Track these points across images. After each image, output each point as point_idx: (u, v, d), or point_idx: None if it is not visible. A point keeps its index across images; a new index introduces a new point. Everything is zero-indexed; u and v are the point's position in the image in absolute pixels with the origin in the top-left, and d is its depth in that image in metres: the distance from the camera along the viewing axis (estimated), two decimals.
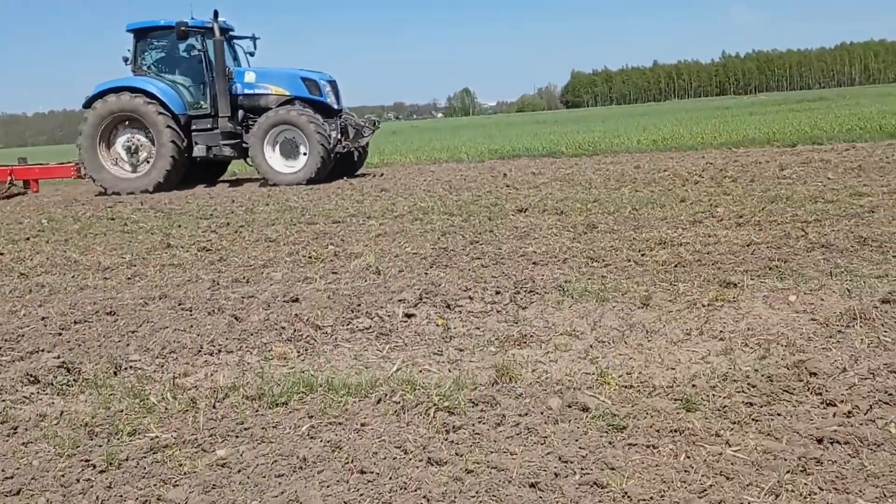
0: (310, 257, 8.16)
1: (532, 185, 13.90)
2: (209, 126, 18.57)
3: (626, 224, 8.98)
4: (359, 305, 5.97)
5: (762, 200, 9.99)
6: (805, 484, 2.92)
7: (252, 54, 19.67)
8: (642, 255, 7.26)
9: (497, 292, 6.16)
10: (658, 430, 3.47)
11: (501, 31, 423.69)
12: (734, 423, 3.52)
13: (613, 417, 3.63)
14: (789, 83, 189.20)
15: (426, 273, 7.09)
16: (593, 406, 3.78)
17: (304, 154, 17.88)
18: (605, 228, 8.78)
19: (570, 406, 3.81)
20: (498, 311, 5.71)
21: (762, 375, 4.05)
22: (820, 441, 3.27)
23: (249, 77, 18.71)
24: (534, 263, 7.23)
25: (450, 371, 4.53)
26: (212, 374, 4.68)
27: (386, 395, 4.08)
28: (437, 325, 5.36)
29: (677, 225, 8.69)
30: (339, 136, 18.38)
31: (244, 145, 18.45)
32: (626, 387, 4.04)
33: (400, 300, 6.01)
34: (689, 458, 3.20)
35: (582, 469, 3.15)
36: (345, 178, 18.78)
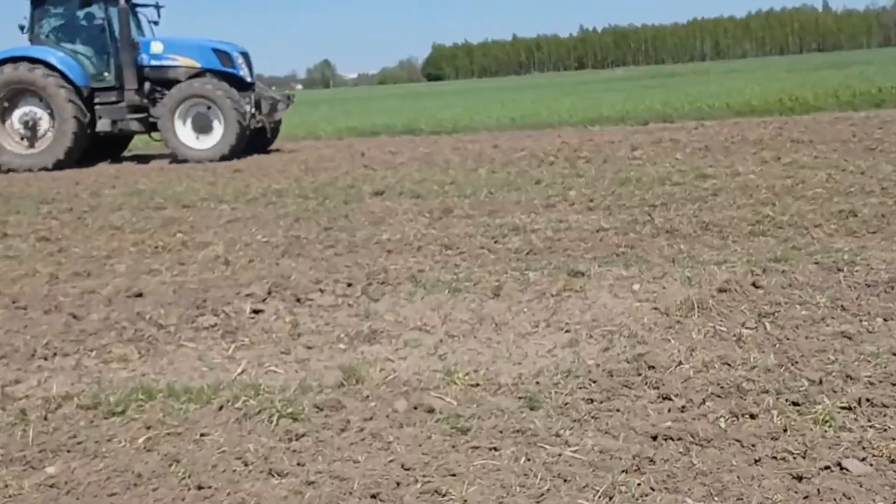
0: (156, 247, 7.89)
1: (390, 166, 13.86)
2: (114, 99, 17.50)
3: (482, 208, 9.04)
4: (205, 301, 5.80)
5: (613, 182, 10.24)
6: (638, 484, 2.99)
7: (156, 23, 18.61)
8: (495, 242, 7.33)
9: (349, 284, 6.09)
10: (501, 432, 3.49)
11: (362, 1, 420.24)
12: (574, 421, 3.58)
13: (458, 419, 3.64)
14: (645, 58, 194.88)
15: (277, 263, 6.96)
16: (439, 407, 3.78)
17: (218, 129, 17.07)
18: (461, 213, 8.83)
19: (415, 408, 3.80)
20: (349, 305, 5.65)
21: (603, 370, 4.14)
22: (654, 438, 3.36)
23: (156, 47, 17.69)
24: (388, 252, 7.20)
25: (297, 372, 4.46)
26: (45, 382, 4.46)
27: (228, 401, 3.97)
28: (286, 323, 5.26)
29: (531, 209, 8.81)
30: (253, 111, 17.56)
31: (151, 119, 17.50)
32: (472, 385, 4.06)
33: (248, 294, 5.87)
34: (529, 460, 3.23)
35: (424, 477, 3.14)
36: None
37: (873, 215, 7.22)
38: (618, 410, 3.68)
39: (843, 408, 3.52)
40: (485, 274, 6.21)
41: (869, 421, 3.41)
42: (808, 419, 3.44)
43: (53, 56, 17.02)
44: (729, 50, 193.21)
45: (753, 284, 5.39)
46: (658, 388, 3.88)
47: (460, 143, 17.82)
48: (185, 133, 17.24)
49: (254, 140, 18.18)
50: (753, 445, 3.24)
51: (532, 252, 6.86)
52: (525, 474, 3.12)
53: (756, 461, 3.13)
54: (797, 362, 4.08)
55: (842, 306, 4.90)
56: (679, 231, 7.20)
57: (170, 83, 17.43)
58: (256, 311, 5.53)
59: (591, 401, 3.78)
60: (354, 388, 4.08)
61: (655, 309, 5.14)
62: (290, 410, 3.78)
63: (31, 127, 17.18)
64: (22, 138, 17.24)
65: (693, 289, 5.45)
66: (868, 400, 3.55)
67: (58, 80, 16.77)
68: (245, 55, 18.37)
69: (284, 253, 7.34)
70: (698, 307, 5.01)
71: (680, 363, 4.16)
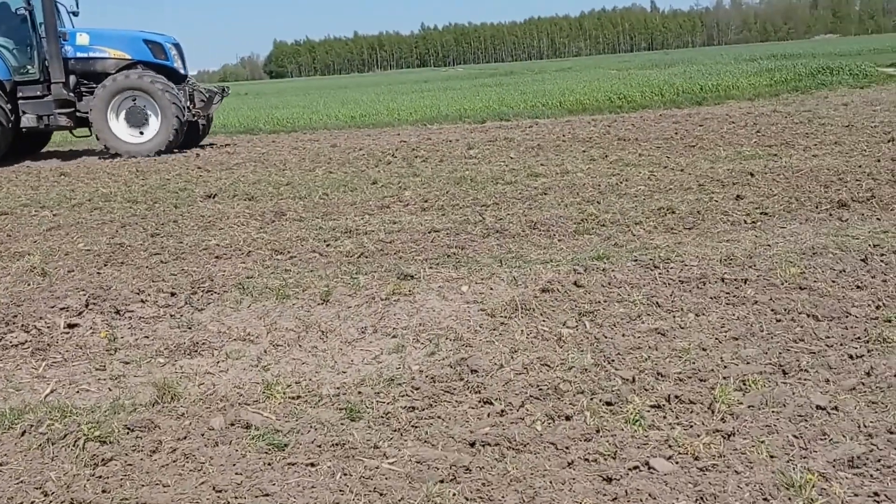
0: None
1: (225, 167, 13.52)
2: (39, 93, 16.44)
3: (316, 210, 8.93)
4: (15, 316, 5.47)
5: (448, 182, 10.31)
6: (453, 494, 3.00)
7: (76, 13, 17.41)
8: (328, 245, 7.24)
9: (172, 293, 5.88)
10: (320, 446, 3.43)
11: None
12: (395, 431, 3.56)
13: (276, 434, 3.56)
14: (484, 55, 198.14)
15: (98, 273, 6.66)
16: (256, 423, 3.68)
17: (154, 123, 16.32)
18: (294, 216, 8.69)
19: (232, 424, 3.69)
20: (171, 316, 5.46)
21: (426, 376, 4.13)
22: (472, 445, 3.38)
23: (82, 39, 16.71)
24: (216, 258, 7.00)
25: (110, 390, 4.26)
26: None
27: (32, 425, 3.75)
28: (102, 338, 5.02)
29: (365, 211, 8.77)
30: (188, 104, 16.80)
31: (79, 114, 16.55)
32: (293, 398, 3.98)
33: (63, 308, 5.58)
34: (346, 475, 3.18)
35: (236, 498, 3.04)
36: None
37: (689, 212, 7.54)
38: (438, 418, 3.68)
39: (652, 406, 3.63)
40: (315, 279, 6.12)
41: (676, 418, 3.53)
42: (619, 419, 3.53)
43: None
44: (565, 48, 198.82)
45: (575, 283, 5.52)
46: (479, 392, 3.91)
47: (299, 142, 17.60)
48: (118, 127, 16.46)
49: (185, 135, 17.38)
50: (567, 448, 3.30)
51: (364, 255, 6.82)
52: (341, 490, 3.07)
53: (569, 464, 3.18)
54: (613, 361, 4.20)
55: (657, 303, 5.08)
56: (508, 231, 7.31)
57: (98, 76, 16.59)
58: (71, 326, 5.27)
59: (413, 409, 3.77)
60: (170, 406, 3.94)
61: (482, 311, 5.19)
62: (98, 433, 3.60)
63: None
64: None
65: (518, 289, 5.53)
66: (677, 397, 3.68)
67: None
68: (177, 46, 17.62)
69: (107, 262, 7.03)
70: (522, 308, 5.09)
71: (501, 366, 4.21)
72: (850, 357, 4.07)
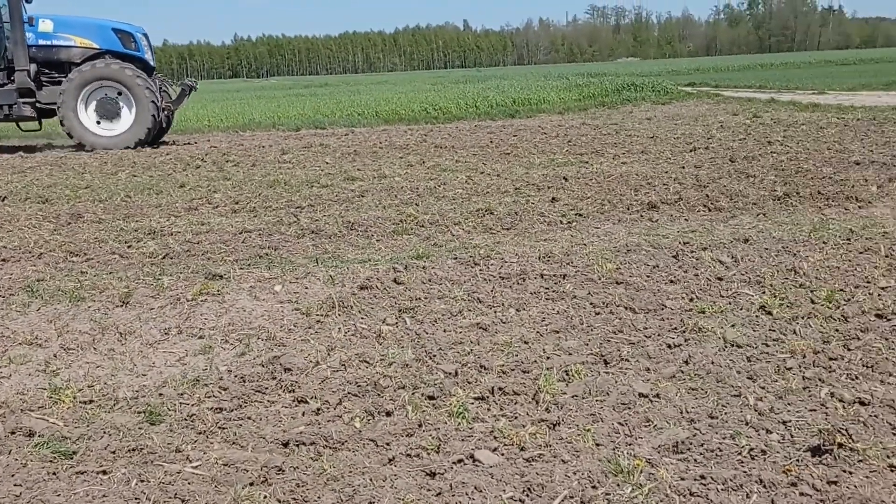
0: None
1: (17, 170, 12.56)
2: (2, 82, 15.28)
3: (117, 213, 8.37)
4: None
5: (261, 185, 9.94)
6: (264, 497, 2.73)
7: (29, 0, 15.80)
8: (129, 246, 6.76)
9: None
10: (114, 452, 3.07)
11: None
12: (200, 433, 3.25)
13: (63, 441, 3.17)
14: (299, 68, 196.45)
15: None
16: (40, 430, 3.27)
17: (127, 116, 15.37)
18: (93, 218, 8.09)
19: (13, 433, 3.27)
20: None
21: (236, 376, 3.83)
22: (286, 445, 3.11)
23: (45, 26, 15.40)
24: (2, 260, 6.39)
25: None
26: None
27: None
28: None
29: (171, 213, 8.29)
30: (159, 97, 15.80)
31: (39, 105, 15.35)
32: (84, 403, 3.58)
33: None
34: (143, 481, 2.85)
35: None
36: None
37: (507, 213, 7.52)
38: (249, 418, 3.39)
39: (476, 399, 3.48)
40: (114, 280, 5.66)
41: (501, 410, 3.39)
42: (442, 413, 3.36)
43: None
44: (380, 63, 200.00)
45: (395, 281, 5.34)
46: (293, 391, 3.65)
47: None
48: (87, 119, 15.39)
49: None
50: (388, 444, 3.10)
51: (169, 256, 6.39)
52: (136, 498, 2.74)
53: (390, 460, 2.98)
54: (434, 356, 4.03)
55: (478, 298, 4.96)
56: (325, 231, 7.05)
57: (61, 65, 15.50)
58: None
59: (220, 410, 3.47)
60: None
61: (297, 310, 4.92)
62: None
63: None
64: None
65: (335, 288, 5.29)
66: (500, 389, 3.55)
67: None
68: (146, 36, 16.51)
69: None
70: (339, 306, 4.86)
71: (317, 363, 3.96)
72: (669, 346, 4.07)
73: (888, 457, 2.88)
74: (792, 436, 3.07)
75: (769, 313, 4.49)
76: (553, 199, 8.16)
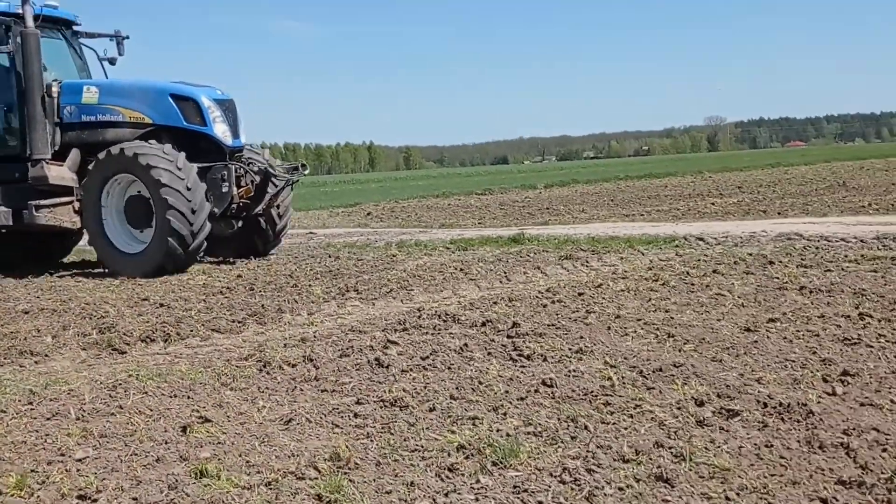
0: None
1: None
2: (15, 176, 11.18)
3: None
4: None
5: None
6: None
7: (113, 62, 12.52)
8: None
9: None
10: None
11: None
12: None
13: None
14: None
15: None
16: None
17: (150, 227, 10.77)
18: None
19: None
20: None
21: None
22: None
23: (89, 95, 11.23)
24: None
25: None
26: None
27: None
28: None
29: None
30: (232, 191, 11.18)
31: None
32: None
33: None
34: None
35: None
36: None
37: None
38: None
39: None
40: None
41: None
42: None
43: None
44: None
45: None
46: None
47: None
48: (115, 228, 11.02)
49: (246, 234, 12.09)
50: None
51: None
52: None
53: None
54: None
55: None
56: None
57: (106, 148, 10.99)
58: None
59: None
60: None
61: None
62: None
63: None
64: None
65: None
66: None
67: None
68: (226, 104, 11.74)
69: None
70: None
71: None
72: None
73: None
74: None
75: None
76: None
